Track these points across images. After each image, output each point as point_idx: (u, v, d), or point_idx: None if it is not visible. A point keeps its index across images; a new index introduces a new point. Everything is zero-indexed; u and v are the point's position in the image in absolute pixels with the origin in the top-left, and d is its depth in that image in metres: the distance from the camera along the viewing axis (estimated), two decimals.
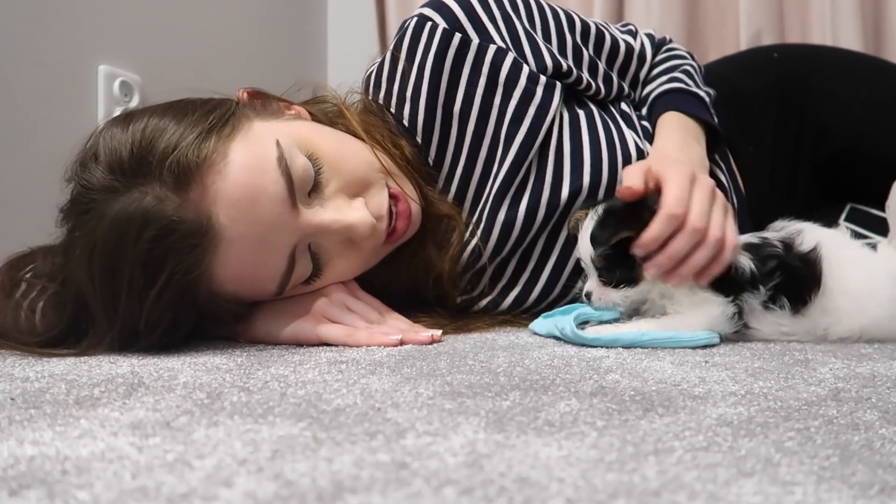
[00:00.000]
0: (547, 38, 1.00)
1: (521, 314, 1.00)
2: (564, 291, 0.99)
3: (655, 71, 1.11)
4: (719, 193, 0.83)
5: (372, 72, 1.00)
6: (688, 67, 1.09)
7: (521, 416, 0.48)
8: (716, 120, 1.03)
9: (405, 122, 0.96)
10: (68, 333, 0.79)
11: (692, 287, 0.80)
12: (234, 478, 0.36)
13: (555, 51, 0.99)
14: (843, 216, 1.09)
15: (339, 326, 0.83)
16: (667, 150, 0.94)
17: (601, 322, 0.86)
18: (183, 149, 0.73)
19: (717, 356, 0.72)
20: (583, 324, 0.85)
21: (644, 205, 0.80)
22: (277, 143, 0.77)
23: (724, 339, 0.82)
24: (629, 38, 1.10)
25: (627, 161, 0.96)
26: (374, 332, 0.81)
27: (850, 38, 1.76)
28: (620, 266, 0.80)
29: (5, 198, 1.22)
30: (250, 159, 0.75)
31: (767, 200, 1.13)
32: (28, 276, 0.84)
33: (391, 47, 0.98)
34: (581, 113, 0.99)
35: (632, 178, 0.81)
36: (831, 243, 0.83)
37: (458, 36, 0.94)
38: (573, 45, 1.02)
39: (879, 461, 0.40)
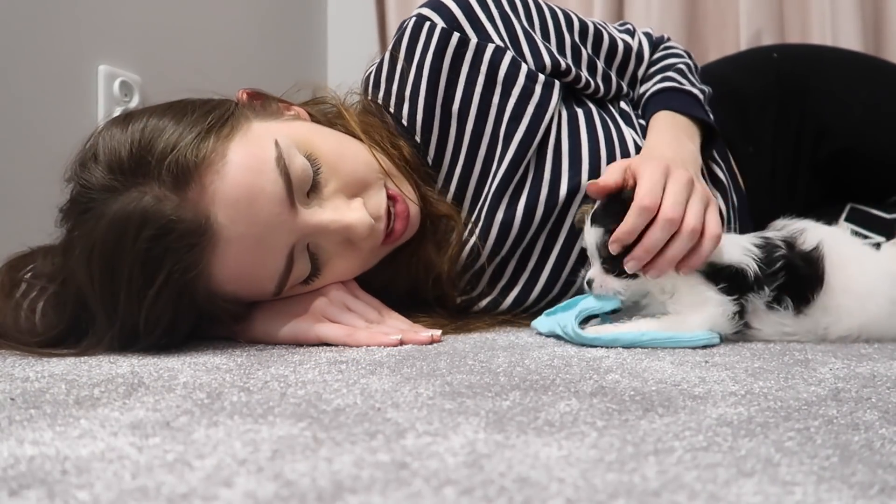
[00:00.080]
0: (545, 38, 1.01)
1: (521, 314, 1.00)
2: (564, 290, 0.99)
3: (651, 70, 1.11)
4: (698, 185, 0.82)
5: (371, 72, 1.00)
6: (681, 66, 1.08)
7: (521, 416, 0.48)
8: (711, 117, 1.03)
9: (404, 122, 0.96)
10: (68, 333, 0.79)
11: (694, 286, 0.80)
12: (234, 478, 0.36)
13: (553, 50, 0.99)
14: (843, 216, 1.09)
15: (339, 326, 0.83)
16: (653, 149, 0.94)
17: (603, 314, 0.86)
18: (182, 149, 0.73)
19: (717, 356, 0.72)
20: (584, 322, 0.85)
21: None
22: (276, 144, 0.77)
23: (724, 339, 0.82)
24: (627, 37, 1.10)
25: (626, 159, 0.96)
26: (374, 332, 0.81)
27: (850, 38, 1.76)
28: (623, 255, 0.80)
29: (5, 198, 1.22)
30: (249, 159, 0.75)
31: (768, 200, 1.13)
32: (28, 276, 0.84)
33: (390, 47, 0.98)
34: (580, 111, 0.99)
35: (611, 174, 0.82)
36: (833, 241, 0.84)
37: (456, 35, 0.94)
38: (572, 45, 1.02)
39: (879, 461, 0.40)
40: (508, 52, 0.95)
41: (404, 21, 0.98)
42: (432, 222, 0.95)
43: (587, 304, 0.84)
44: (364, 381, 0.60)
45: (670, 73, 1.06)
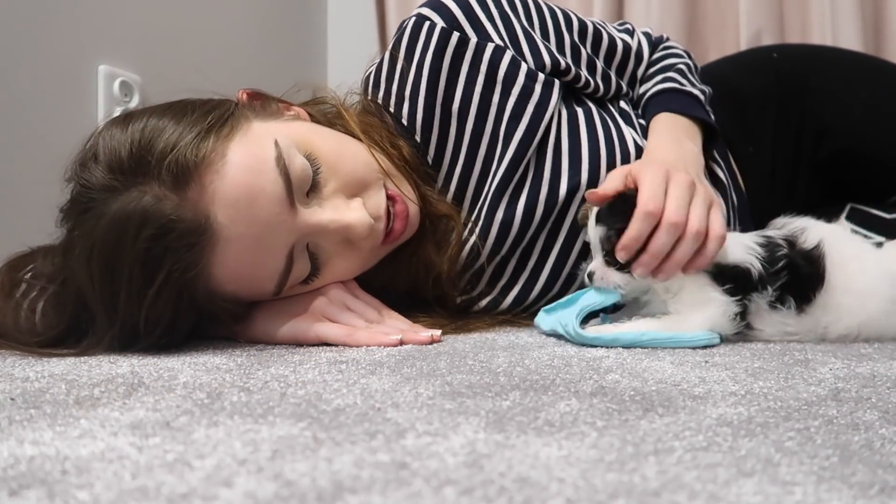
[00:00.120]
0: (545, 37, 1.01)
1: (521, 313, 1.00)
2: (564, 289, 0.99)
3: (651, 70, 1.11)
4: (700, 187, 0.83)
5: (371, 72, 1.00)
6: (681, 66, 1.08)
7: (521, 416, 0.48)
8: (712, 117, 1.03)
9: (404, 121, 0.96)
10: (68, 333, 0.79)
11: (701, 286, 0.80)
12: (234, 478, 0.36)
13: (553, 49, 0.99)
14: (843, 216, 1.09)
15: (339, 326, 0.83)
16: (655, 152, 0.94)
17: (604, 313, 0.86)
18: (181, 148, 0.73)
19: (717, 356, 0.72)
20: (585, 321, 0.84)
21: None
22: (276, 143, 0.77)
23: (725, 339, 0.82)
24: (626, 37, 1.10)
25: (626, 158, 0.97)
26: (374, 332, 0.81)
27: (850, 38, 1.76)
28: (630, 259, 0.80)
29: (5, 198, 1.22)
30: (248, 159, 0.75)
31: (768, 200, 1.13)
32: (28, 276, 0.84)
33: (389, 47, 0.98)
34: (579, 110, 0.99)
35: (611, 182, 0.82)
36: (833, 239, 0.84)
37: (456, 35, 0.94)
38: (571, 44, 1.02)
39: (879, 461, 0.40)
40: (508, 51, 0.95)
41: (404, 21, 0.98)
42: (432, 222, 0.95)
43: (588, 299, 0.84)
44: (364, 381, 0.60)
45: (670, 74, 1.06)
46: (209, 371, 0.65)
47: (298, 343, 0.83)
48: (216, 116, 0.77)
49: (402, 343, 0.80)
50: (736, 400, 0.54)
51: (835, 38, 1.78)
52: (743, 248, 0.81)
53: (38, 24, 1.30)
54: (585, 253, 0.86)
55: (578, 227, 0.96)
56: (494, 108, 0.95)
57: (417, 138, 0.96)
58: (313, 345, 0.82)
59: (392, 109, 0.97)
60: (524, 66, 0.95)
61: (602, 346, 0.78)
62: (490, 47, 0.95)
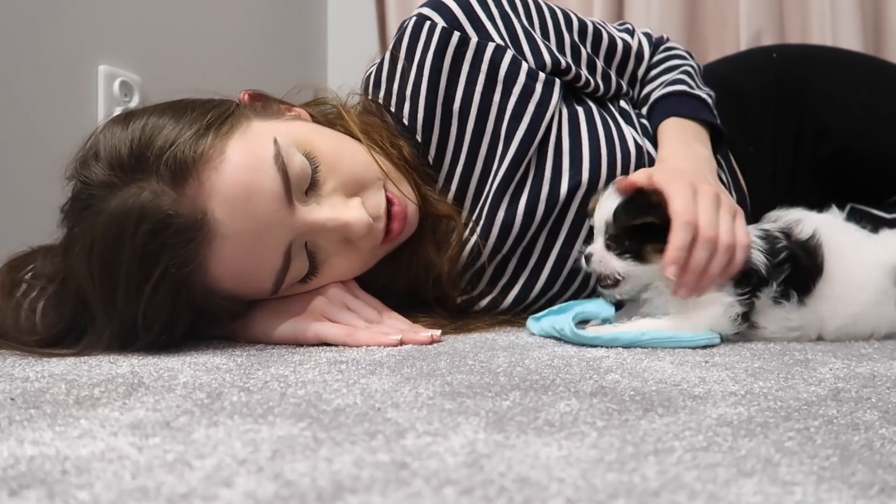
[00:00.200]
0: (545, 37, 1.01)
1: (522, 313, 1.00)
2: (565, 288, 0.99)
3: (655, 71, 1.11)
4: (724, 197, 0.84)
5: (371, 72, 1.00)
6: (688, 68, 1.09)
7: (521, 416, 0.48)
8: (718, 120, 1.04)
9: (405, 121, 0.96)
10: (68, 332, 0.79)
11: (719, 286, 0.80)
12: (234, 478, 0.36)
13: (553, 48, 0.99)
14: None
15: (339, 326, 0.83)
16: (670, 159, 0.95)
17: (602, 321, 0.86)
18: (180, 145, 0.74)
19: (717, 356, 0.72)
20: (580, 324, 0.84)
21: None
22: (275, 142, 0.77)
23: (725, 339, 0.82)
24: (626, 37, 1.10)
25: (626, 157, 0.97)
26: (374, 332, 0.81)
27: (850, 38, 1.76)
28: (631, 237, 0.80)
29: (5, 198, 1.22)
30: (247, 157, 0.76)
31: (768, 200, 1.13)
32: (28, 276, 0.84)
33: (390, 47, 0.98)
34: (580, 110, 0.99)
35: (637, 176, 0.83)
36: (828, 229, 0.84)
37: (456, 34, 0.94)
38: (571, 43, 1.03)
39: (879, 461, 0.40)
40: (509, 50, 0.95)
41: (405, 21, 0.98)
42: (432, 222, 0.95)
43: (582, 308, 0.84)
44: (364, 381, 0.60)
45: (678, 76, 1.07)
46: (209, 371, 0.65)
47: (298, 343, 0.83)
48: (216, 115, 0.78)
49: (402, 343, 0.80)
50: (736, 400, 0.54)
51: (835, 38, 1.78)
52: None
53: (38, 24, 1.30)
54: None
55: (579, 226, 0.96)
56: (495, 107, 0.95)
57: (418, 138, 0.96)
58: (313, 345, 0.82)
59: (393, 109, 0.97)
60: (525, 66, 0.95)
61: (602, 346, 0.78)
62: (491, 47, 0.95)
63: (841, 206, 0.94)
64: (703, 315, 0.80)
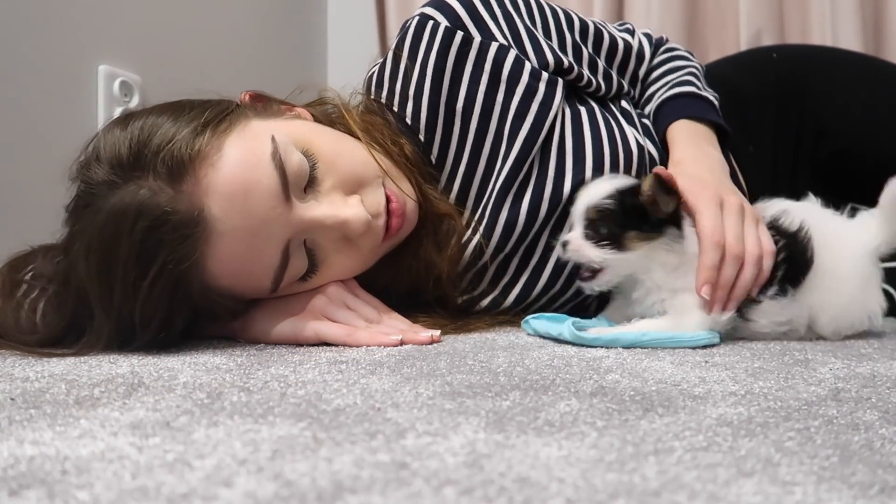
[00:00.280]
0: (547, 36, 1.01)
1: (523, 312, 1.00)
2: (565, 287, 0.99)
3: (658, 71, 1.11)
4: (747, 207, 0.86)
5: (374, 72, 1.00)
6: (693, 69, 1.10)
7: (521, 416, 0.48)
8: (723, 122, 1.04)
9: (408, 121, 0.96)
10: (68, 332, 0.79)
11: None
12: (234, 478, 0.36)
13: (555, 48, 1.00)
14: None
15: (339, 326, 0.83)
16: (685, 163, 0.96)
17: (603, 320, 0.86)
18: (177, 142, 0.74)
19: (717, 356, 0.72)
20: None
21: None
22: (272, 139, 0.77)
23: (725, 339, 0.82)
24: (627, 37, 1.10)
25: (628, 157, 0.97)
26: (374, 332, 0.81)
27: (850, 38, 1.76)
28: (610, 225, 0.80)
29: (5, 198, 1.22)
30: (244, 154, 0.76)
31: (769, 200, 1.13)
32: (29, 276, 0.84)
33: (393, 47, 0.98)
34: (582, 109, 0.99)
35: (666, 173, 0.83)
36: (812, 220, 0.85)
37: (459, 34, 0.94)
38: (573, 43, 1.03)
39: (879, 461, 0.40)
40: (512, 50, 0.96)
41: (408, 20, 0.98)
42: (433, 222, 0.95)
43: (577, 319, 0.84)
44: (364, 381, 0.60)
45: (684, 77, 1.07)
46: (209, 371, 0.65)
47: (298, 342, 0.83)
48: (214, 113, 0.78)
49: (402, 343, 0.80)
50: (736, 400, 0.54)
51: (835, 38, 1.78)
52: None
53: (38, 24, 1.30)
54: None
55: None
56: (498, 107, 0.95)
57: (421, 137, 0.96)
58: (313, 344, 0.82)
59: (396, 109, 0.97)
60: (528, 66, 0.95)
61: (602, 347, 0.78)
62: (494, 46, 0.95)
63: (841, 206, 0.94)
64: (699, 312, 0.80)
